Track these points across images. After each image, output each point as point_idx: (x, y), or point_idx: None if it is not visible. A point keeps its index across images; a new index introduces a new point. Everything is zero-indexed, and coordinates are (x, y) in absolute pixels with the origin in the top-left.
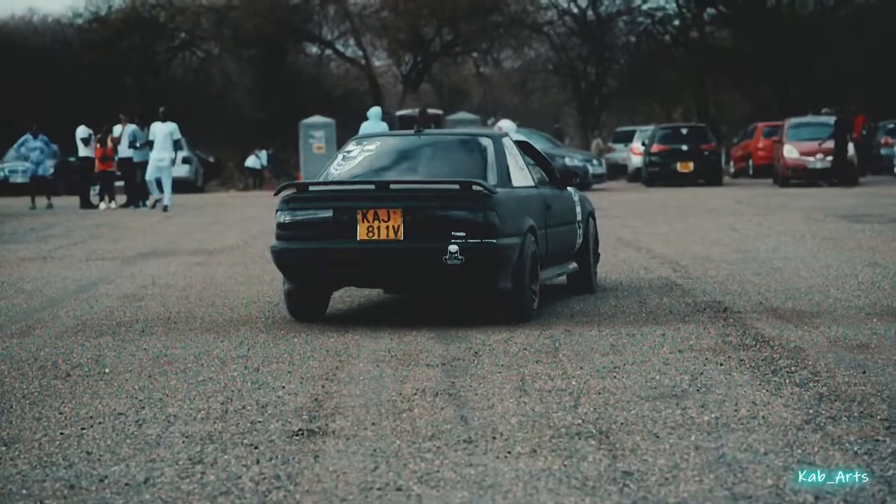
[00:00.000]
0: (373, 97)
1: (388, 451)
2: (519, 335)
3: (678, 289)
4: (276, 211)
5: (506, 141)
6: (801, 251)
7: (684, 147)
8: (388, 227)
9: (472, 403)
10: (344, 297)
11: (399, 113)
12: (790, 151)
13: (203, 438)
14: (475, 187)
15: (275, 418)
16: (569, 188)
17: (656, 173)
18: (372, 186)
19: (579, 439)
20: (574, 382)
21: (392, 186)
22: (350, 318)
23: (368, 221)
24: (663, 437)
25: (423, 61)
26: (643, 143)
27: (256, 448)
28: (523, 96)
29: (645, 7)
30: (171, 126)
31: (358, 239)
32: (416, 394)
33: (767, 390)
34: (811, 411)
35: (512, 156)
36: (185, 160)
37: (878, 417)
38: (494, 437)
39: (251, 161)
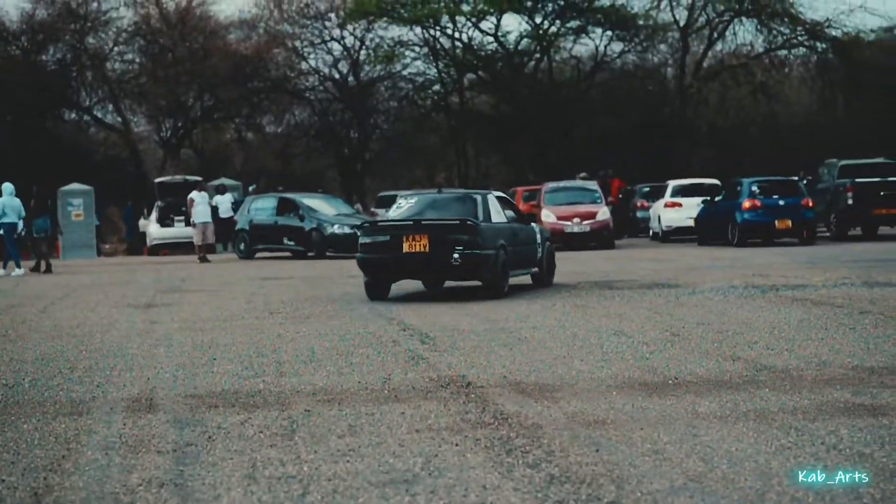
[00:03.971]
0: (133, 163)
1: None
2: (257, 416)
3: (424, 362)
4: (359, 236)
5: (489, 196)
6: (549, 320)
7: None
8: (420, 244)
9: (198, 494)
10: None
11: (158, 180)
12: (547, 216)
13: None
14: (468, 222)
15: None
16: (532, 224)
17: None
18: (411, 222)
19: None
20: (306, 468)
21: (423, 222)
22: (86, 401)
23: (409, 241)
24: None
25: (184, 127)
26: None
27: None
28: (286, 161)
29: (406, 72)
30: None
31: (403, 251)
32: (141, 485)
33: (500, 472)
34: (540, 495)
35: (492, 204)
36: None
37: (605, 500)
38: None
39: None
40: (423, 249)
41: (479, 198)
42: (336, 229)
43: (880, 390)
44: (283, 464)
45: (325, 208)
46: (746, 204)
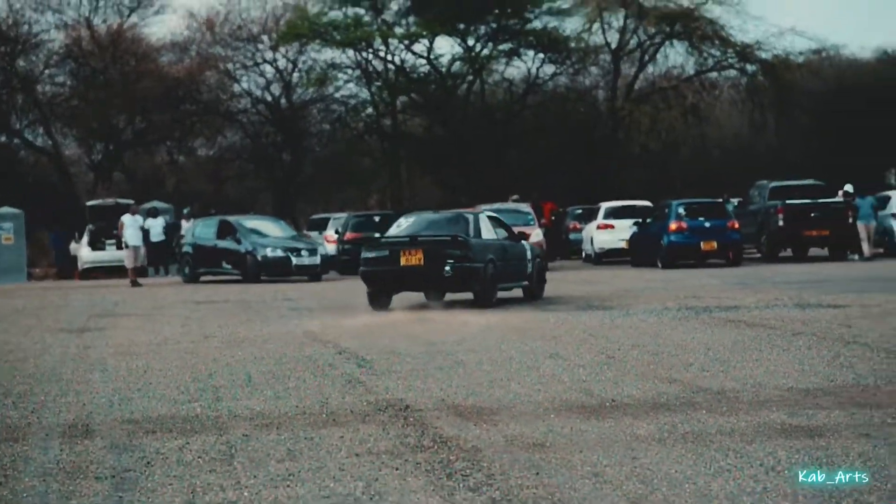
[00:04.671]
0: (64, 186)
1: None
2: (195, 441)
3: (362, 386)
4: (362, 251)
5: (480, 216)
6: (486, 343)
7: (377, 235)
8: (416, 258)
9: None
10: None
11: (89, 203)
12: None
13: None
14: (459, 238)
15: None
16: (523, 241)
17: (349, 262)
18: (408, 239)
19: None
20: (246, 493)
21: (419, 238)
22: (21, 427)
23: (406, 256)
24: None
25: (115, 150)
26: (337, 231)
27: None
28: (218, 184)
29: (338, 95)
30: None
31: (401, 265)
32: None
33: (441, 496)
34: None
35: (483, 223)
36: None
37: None
38: None
39: None
40: (418, 263)
41: (471, 217)
42: (268, 253)
43: (816, 411)
44: (222, 489)
45: (270, 231)
46: (673, 226)
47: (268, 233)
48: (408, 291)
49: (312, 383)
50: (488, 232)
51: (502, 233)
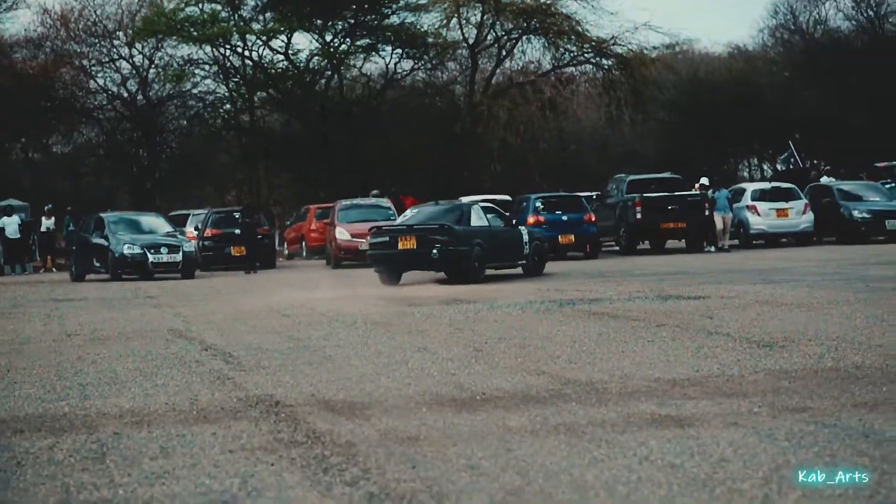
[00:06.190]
0: None
1: None
2: (65, 440)
3: (230, 382)
4: (370, 238)
5: (473, 206)
6: (353, 337)
7: (238, 231)
8: (410, 243)
9: None
10: None
11: None
12: (342, 233)
13: None
14: (445, 226)
15: None
16: (520, 227)
17: (210, 257)
18: (405, 227)
19: None
20: (121, 492)
21: (413, 226)
22: None
23: (402, 241)
24: None
25: None
26: (196, 228)
27: None
28: (75, 181)
29: (196, 91)
30: None
31: (398, 249)
32: None
33: (318, 491)
34: None
35: (475, 212)
36: None
37: None
38: None
39: None
40: (412, 247)
41: (464, 207)
42: (125, 250)
43: (684, 401)
44: (97, 488)
45: (154, 226)
46: (531, 220)
47: (152, 228)
48: (406, 271)
49: (181, 380)
50: (479, 220)
51: (495, 219)
